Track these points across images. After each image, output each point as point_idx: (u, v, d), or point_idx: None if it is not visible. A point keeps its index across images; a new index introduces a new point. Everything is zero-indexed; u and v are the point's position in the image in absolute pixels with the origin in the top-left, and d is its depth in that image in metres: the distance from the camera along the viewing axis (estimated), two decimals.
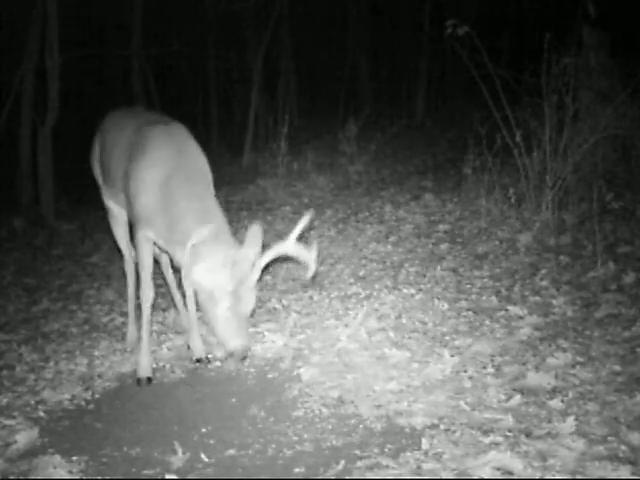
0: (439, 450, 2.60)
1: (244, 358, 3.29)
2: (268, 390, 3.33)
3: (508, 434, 2.66)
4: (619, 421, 2.71)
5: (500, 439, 2.63)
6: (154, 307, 3.72)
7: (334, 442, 2.78)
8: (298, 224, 3.20)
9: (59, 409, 3.34)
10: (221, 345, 3.25)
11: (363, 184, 7.71)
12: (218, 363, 3.70)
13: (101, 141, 3.96)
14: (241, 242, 3.19)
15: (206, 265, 3.12)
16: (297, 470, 2.61)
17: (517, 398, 2.94)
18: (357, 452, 2.67)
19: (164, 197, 3.30)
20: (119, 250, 4.19)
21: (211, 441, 2.91)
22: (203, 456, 2.76)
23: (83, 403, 3.40)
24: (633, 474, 2.37)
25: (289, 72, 13.08)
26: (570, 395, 2.95)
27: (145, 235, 3.47)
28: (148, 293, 3.55)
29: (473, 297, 4.27)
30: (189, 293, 3.71)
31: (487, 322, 3.85)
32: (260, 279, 3.22)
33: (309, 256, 3.26)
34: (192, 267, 3.14)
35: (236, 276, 3.10)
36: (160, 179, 3.33)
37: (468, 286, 4.46)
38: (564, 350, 3.40)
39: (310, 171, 7.98)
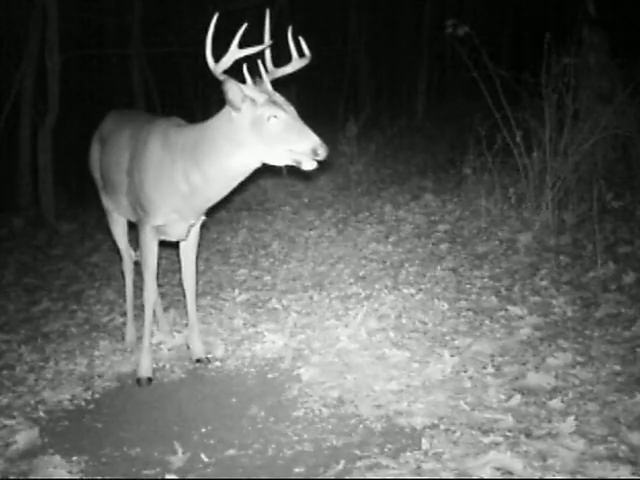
0: (439, 450, 2.60)
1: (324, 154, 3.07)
2: (268, 390, 3.33)
3: (508, 434, 2.66)
4: (619, 421, 2.71)
5: (500, 439, 2.63)
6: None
7: (334, 442, 2.78)
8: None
9: (59, 409, 3.34)
10: (303, 154, 3.06)
11: (363, 184, 7.70)
12: (218, 363, 3.70)
13: (100, 147, 3.93)
14: None
15: (233, 101, 3.04)
16: (297, 470, 2.61)
17: (517, 398, 2.94)
18: (357, 452, 2.67)
19: (176, 161, 3.27)
20: (118, 251, 4.19)
21: (211, 441, 2.91)
22: (203, 456, 2.76)
23: (83, 403, 3.40)
24: (633, 474, 2.37)
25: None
26: (570, 395, 2.95)
27: (153, 226, 3.42)
28: (151, 294, 3.55)
29: (473, 297, 4.27)
30: (191, 290, 3.73)
31: (487, 322, 3.85)
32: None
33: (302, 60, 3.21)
34: (233, 114, 3.08)
35: (258, 89, 3.06)
36: (165, 155, 3.32)
37: (468, 286, 4.46)
38: (564, 350, 3.40)
39: (310, 171, 7.95)
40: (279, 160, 3.13)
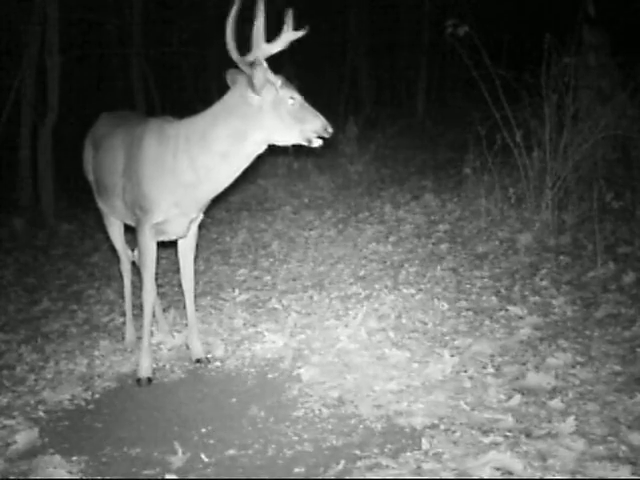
0: (439, 450, 2.60)
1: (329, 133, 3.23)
2: (268, 390, 3.33)
3: (508, 434, 2.66)
4: (619, 421, 2.71)
5: (500, 439, 2.63)
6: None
7: (334, 442, 2.78)
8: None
9: (59, 409, 3.34)
10: (314, 132, 3.17)
11: (363, 184, 7.71)
12: (218, 363, 3.70)
13: (93, 151, 3.91)
14: None
15: (253, 81, 3.11)
16: (297, 470, 2.61)
17: (517, 398, 2.94)
18: (357, 452, 2.67)
19: (177, 157, 3.30)
20: (115, 251, 4.19)
21: (211, 441, 2.91)
22: (203, 456, 2.76)
23: (83, 403, 3.40)
24: (633, 474, 2.37)
25: (289, 72, 13.10)
26: (570, 395, 2.95)
27: (152, 225, 3.41)
28: (149, 294, 3.54)
29: (473, 297, 4.27)
30: (189, 290, 3.74)
31: (487, 322, 3.85)
32: None
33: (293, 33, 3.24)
34: (252, 97, 3.15)
35: (274, 75, 3.17)
36: (163, 149, 3.34)
37: (468, 286, 4.46)
38: (564, 350, 3.40)
39: (310, 171, 7.97)
40: (291, 139, 3.24)
